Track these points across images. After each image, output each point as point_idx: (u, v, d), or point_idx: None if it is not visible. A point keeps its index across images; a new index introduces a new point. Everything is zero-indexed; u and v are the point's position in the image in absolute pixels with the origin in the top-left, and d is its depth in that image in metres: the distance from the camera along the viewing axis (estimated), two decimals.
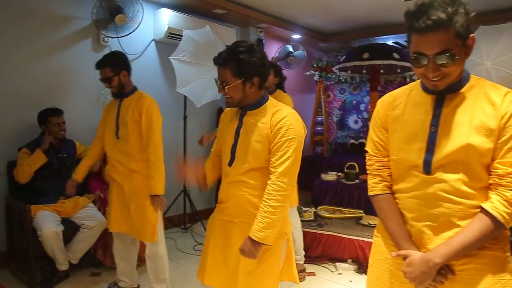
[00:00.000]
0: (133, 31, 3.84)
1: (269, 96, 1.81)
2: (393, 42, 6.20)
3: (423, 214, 1.25)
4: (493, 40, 3.69)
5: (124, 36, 3.84)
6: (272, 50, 5.95)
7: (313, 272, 3.37)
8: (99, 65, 2.64)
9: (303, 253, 3.32)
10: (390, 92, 1.43)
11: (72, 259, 3.08)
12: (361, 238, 3.37)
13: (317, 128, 6.39)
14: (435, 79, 1.18)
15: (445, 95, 1.25)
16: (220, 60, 1.66)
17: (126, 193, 2.62)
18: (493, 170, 1.18)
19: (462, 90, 1.23)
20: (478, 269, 1.21)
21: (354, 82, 6.12)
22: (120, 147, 2.60)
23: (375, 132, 1.42)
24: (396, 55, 4.67)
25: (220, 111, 4.79)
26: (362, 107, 6.23)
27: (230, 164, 1.74)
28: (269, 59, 6.02)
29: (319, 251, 3.53)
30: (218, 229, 1.82)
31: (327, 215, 3.94)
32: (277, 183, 1.62)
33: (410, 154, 1.28)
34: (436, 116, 1.25)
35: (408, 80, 5.45)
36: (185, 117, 4.40)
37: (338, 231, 3.52)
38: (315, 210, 3.94)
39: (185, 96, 4.16)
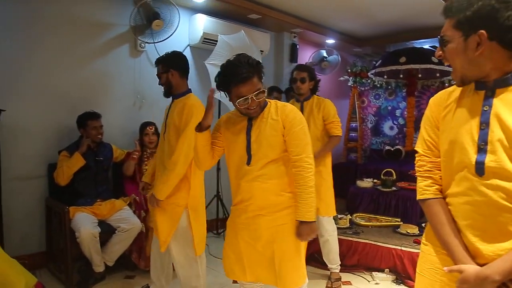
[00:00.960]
0: (169, 36, 3.89)
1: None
2: (430, 46, 6.02)
3: (477, 222, 1.17)
4: None
5: (160, 41, 3.89)
6: (306, 55, 5.90)
7: (349, 281, 3.27)
8: (156, 61, 2.68)
9: (339, 261, 3.23)
10: (444, 90, 1.36)
11: (108, 261, 3.12)
12: (399, 247, 3.24)
13: (351, 134, 6.27)
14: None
15: (495, 89, 1.16)
16: (246, 74, 1.78)
17: None
18: None
19: None
20: None
21: (389, 87, 5.97)
22: (164, 148, 2.57)
23: (426, 131, 1.35)
24: (434, 59, 4.52)
25: None
26: (397, 113, 6.07)
27: (248, 163, 1.88)
28: (303, 64, 6.01)
29: (355, 259, 3.43)
30: (243, 228, 1.94)
31: (363, 222, 3.83)
32: (305, 166, 1.83)
33: (460, 155, 1.19)
34: (485, 112, 1.16)
35: (447, 84, 5.25)
36: None
37: (375, 239, 3.41)
38: (350, 217, 3.84)
39: (219, 101, 4.16)
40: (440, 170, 1.30)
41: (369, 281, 3.28)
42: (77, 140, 3.26)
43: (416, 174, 1.37)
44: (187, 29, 4.35)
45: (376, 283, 3.24)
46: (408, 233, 3.51)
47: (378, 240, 3.39)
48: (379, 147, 6.18)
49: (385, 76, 5.26)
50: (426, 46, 5.89)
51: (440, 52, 1.24)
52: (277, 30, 5.29)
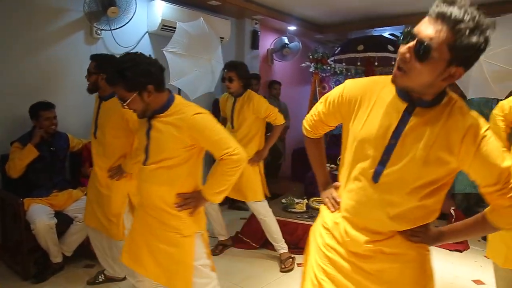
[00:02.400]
0: (126, 23, 3.83)
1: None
2: (389, 34, 6.17)
3: (354, 217, 1.32)
4: None
5: (117, 28, 3.83)
6: (268, 42, 5.94)
7: (301, 264, 3.41)
8: (91, 57, 2.84)
9: (283, 240, 3.44)
10: (360, 82, 1.35)
11: (66, 252, 3.12)
12: None
13: None
14: (399, 66, 1.11)
15: (416, 106, 1.19)
16: (111, 78, 1.85)
17: None
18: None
19: (434, 108, 1.18)
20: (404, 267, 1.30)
21: (349, 74, 6.12)
22: (96, 147, 2.80)
23: (325, 106, 1.45)
24: (390, 47, 4.67)
25: (216, 103, 4.78)
26: None
27: (144, 162, 1.94)
28: (265, 51, 6.04)
29: None
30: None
31: (319, 206, 3.97)
32: (230, 162, 1.90)
33: (363, 159, 1.26)
34: (399, 127, 1.20)
35: None
36: None
37: None
38: (307, 202, 3.98)
39: (179, 89, 4.16)
40: (325, 127, 1.54)
41: None
42: (30, 131, 3.19)
43: (305, 122, 1.59)
44: (146, 15, 4.29)
45: None
46: None
47: None
48: (339, 132, 6.32)
49: (344, 63, 5.39)
50: (386, 34, 6.04)
51: (408, 55, 1.08)
52: (238, 17, 5.29)
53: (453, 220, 3.99)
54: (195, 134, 1.81)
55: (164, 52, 3.80)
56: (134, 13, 3.82)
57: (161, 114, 1.85)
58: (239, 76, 3.38)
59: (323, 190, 1.57)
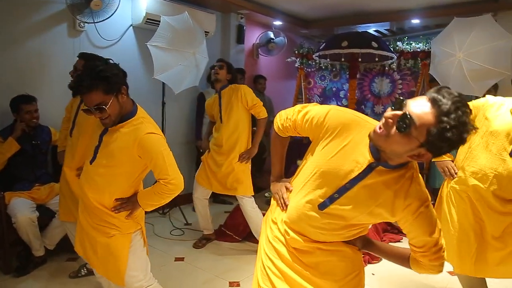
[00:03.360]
0: (110, 16, 3.80)
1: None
2: (374, 31, 6.24)
3: (298, 225, 1.46)
4: (465, 32, 3.76)
5: (100, 21, 3.80)
6: (253, 37, 5.95)
7: None
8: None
9: None
10: (347, 114, 1.40)
11: (48, 245, 3.13)
12: None
13: None
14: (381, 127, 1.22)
15: (377, 166, 1.27)
16: (86, 85, 1.79)
17: None
18: None
19: (393, 172, 1.27)
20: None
21: (334, 69, 6.15)
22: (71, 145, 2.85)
23: (303, 119, 1.48)
24: (374, 44, 4.71)
25: (201, 97, 4.79)
26: (341, 94, 6.29)
27: (91, 162, 2.00)
28: (250, 45, 6.03)
29: None
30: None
31: None
32: (167, 190, 2.00)
33: (319, 187, 1.38)
34: (359, 177, 1.30)
35: (387, 68, 5.51)
36: (163, 104, 4.40)
37: None
38: None
39: (163, 83, 4.16)
40: (296, 133, 1.58)
41: None
42: (11, 124, 3.17)
43: (279, 120, 1.62)
44: (130, 8, 4.27)
45: None
46: None
47: None
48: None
49: (328, 59, 5.43)
50: (371, 30, 6.10)
51: (391, 121, 1.14)
52: (223, 11, 5.28)
53: None
54: (141, 151, 1.87)
55: (148, 46, 3.80)
56: (118, 6, 3.80)
57: (121, 124, 1.90)
58: (228, 69, 3.51)
59: (275, 182, 1.69)
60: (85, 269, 3.00)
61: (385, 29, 6.34)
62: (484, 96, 3.76)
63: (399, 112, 1.12)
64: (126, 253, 1.98)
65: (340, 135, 1.35)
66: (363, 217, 1.34)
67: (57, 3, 3.67)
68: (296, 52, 6.19)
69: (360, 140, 1.31)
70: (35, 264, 3.08)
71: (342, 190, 1.33)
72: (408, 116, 1.09)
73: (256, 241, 3.68)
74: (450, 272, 3.30)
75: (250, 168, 3.60)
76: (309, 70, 6.31)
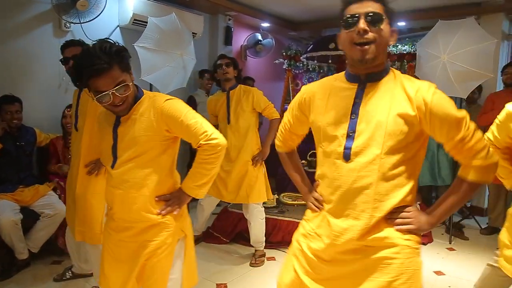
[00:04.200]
0: (96, 17, 3.78)
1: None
2: None
3: (339, 201, 1.33)
4: (450, 35, 3.81)
5: (87, 21, 3.77)
6: (241, 38, 5.96)
7: (273, 257, 3.49)
8: None
9: (264, 239, 3.42)
10: (314, 83, 1.51)
11: (32, 248, 3.08)
12: None
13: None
14: (364, 41, 1.25)
15: (366, 83, 1.33)
16: (100, 65, 1.53)
17: None
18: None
19: (382, 81, 1.32)
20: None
21: (322, 71, 6.20)
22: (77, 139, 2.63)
23: (290, 112, 1.57)
24: None
25: (190, 99, 4.77)
26: None
27: (112, 166, 1.71)
28: (238, 47, 6.03)
29: (280, 237, 3.64)
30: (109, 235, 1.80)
31: (289, 201, 4.05)
32: (209, 148, 1.76)
33: (333, 142, 1.35)
34: (356, 103, 1.32)
35: None
36: None
37: (298, 217, 3.62)
38: (277, 197, 4.04)
39: (150, 84, 4.13)
40: (294, 137, 1.63)
41: None
42: None
43: (276, 139, 1.70)
44: (117, 9, 4.25)
45: None
46: None
47: (301, 218, 3.59)
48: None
49: (316, 61, 5.47)
50: None
51: (367, 28, 1.24)
52: (211, 13, 5.29)
53: None
54: (167, 120, 1.64)
55: (135, 47, 3.78)
56: (105, 6, 3.77)
57: (133, 107, 1.67)
58: (235, 65, 3.38)
59: (307, 196, 1.58)
60: (70, 273, 2.96)
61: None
62: (468, 97, 3.81)
63: (363, 19, 1.24)
64: (168, 269, 1.73)
65: (319, 94, 1.43)
66: (387, 132, 1.25)
67: (43, 3, 3.63)
68: (284, 54, 6.22)
69: (338, 84, 1.40)
70: (18, 267, 3.02)
71: (352, 124, 1.31)
72: (373, 12, 1.25)
73: (244, 243, 3.67)
74: (436, 272, 3.34)
75: (264, 171, 3.42)
76: (297, 71, 6.34)
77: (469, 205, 4.94)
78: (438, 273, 3.31)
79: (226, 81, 3.37)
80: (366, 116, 1.30)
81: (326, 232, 1.36)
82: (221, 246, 3.77)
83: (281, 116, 3.42)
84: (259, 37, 5.92)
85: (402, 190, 1.29)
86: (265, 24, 5.93)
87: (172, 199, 1.74)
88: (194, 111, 1.72)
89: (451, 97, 1.35)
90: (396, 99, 1.28)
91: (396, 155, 1.27)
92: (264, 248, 3.45)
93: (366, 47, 1.25)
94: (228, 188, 3.31)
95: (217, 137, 1.70)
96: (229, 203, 3.81)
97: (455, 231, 4.15)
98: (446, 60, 3.77)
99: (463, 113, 1.26)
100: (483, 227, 4.37)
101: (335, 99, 1.38)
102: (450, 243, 3.99)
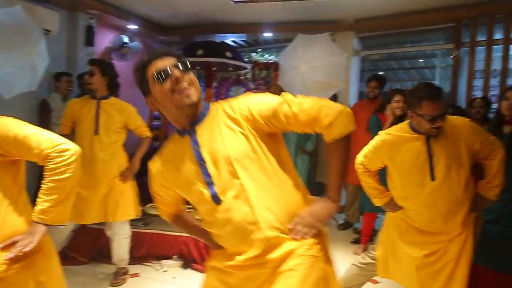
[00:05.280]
0: None
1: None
2: (232, 41, 6.42)
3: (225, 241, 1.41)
4: (308, 47, 4.10)
5: None
6: (105, 39, 5.58)
7: (137, 273, 3.29)
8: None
9: (128, 256, 3.22)
10: (156, 158, 1.53)
11: None
12: (185, 234, 3.38)
13: (154, 123, 6.25)
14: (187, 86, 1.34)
15: (195, 127, 1.38)
16: None
17: None
18: None
19: (206, 119, 1.39)
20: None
21: None
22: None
23: (160, 192, 1.60)
24: (228, 54, 4.82)
25: (44, 104, 4.22)
26: None
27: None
28: (102, 48, 5.63)
29: (144, 250, 3.46)
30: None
31: (154, 212, 3.87)
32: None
33: (198, 195, 1.39)
34: (197, 151, 1.36)
35: (242, 77, 5.71)
36: None
37: (163, 229, 3.50)
38: (142, 208, 3.83)
39: None
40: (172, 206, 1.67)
41: (157, 270, 3.35)
42: None
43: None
44: None
45: (164, 271, 3.34)
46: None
47: (166, 229, 3.49)
48: None
49: None
50: (229, 40, 6.26)
51: (182, 74, 1.37)
52: (69, 9, 4.83)
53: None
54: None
55: None
56: None
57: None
58: (102, 72, 3.03)
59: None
60: None
61: (242, 40, 6.58)
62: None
63: (177, 69, 1.37)
64: None
65: (163, 168, 1.54)
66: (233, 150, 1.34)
67: None
68: None
69: (171, 148, 1.51)
70: None
71: (204, 171, 1.36)
72: (180, 62, 1.39)
73: (106, 261, 3.37)
74: (372, 281, 2.96)
75: (134, 187, 3.22)
76: None
77: None
78: (373, 281, 3.04)
79: (93, 91, 3.09)
80: (212, 157, 1.34)
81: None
82: (79, 268, 3.37)
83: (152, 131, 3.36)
84: (125, 39, 5.62)
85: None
86: (133, 26, 5.65)
87: (22, 240, 1.39)
88: (30, 124, 1.48)
89: None
90: (223, 128, 1.36)
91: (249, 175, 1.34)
92: (128, 264, 3.23)
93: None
94: (93, 207, 3.00)
95: (66, 142, 1.48)
96: None
97: None
98: (305, 71, 4.04)
99: (279, 98, 1.40)
100: (340, 222, 4.76)
101: (175, 164, 1.43)
102: None
